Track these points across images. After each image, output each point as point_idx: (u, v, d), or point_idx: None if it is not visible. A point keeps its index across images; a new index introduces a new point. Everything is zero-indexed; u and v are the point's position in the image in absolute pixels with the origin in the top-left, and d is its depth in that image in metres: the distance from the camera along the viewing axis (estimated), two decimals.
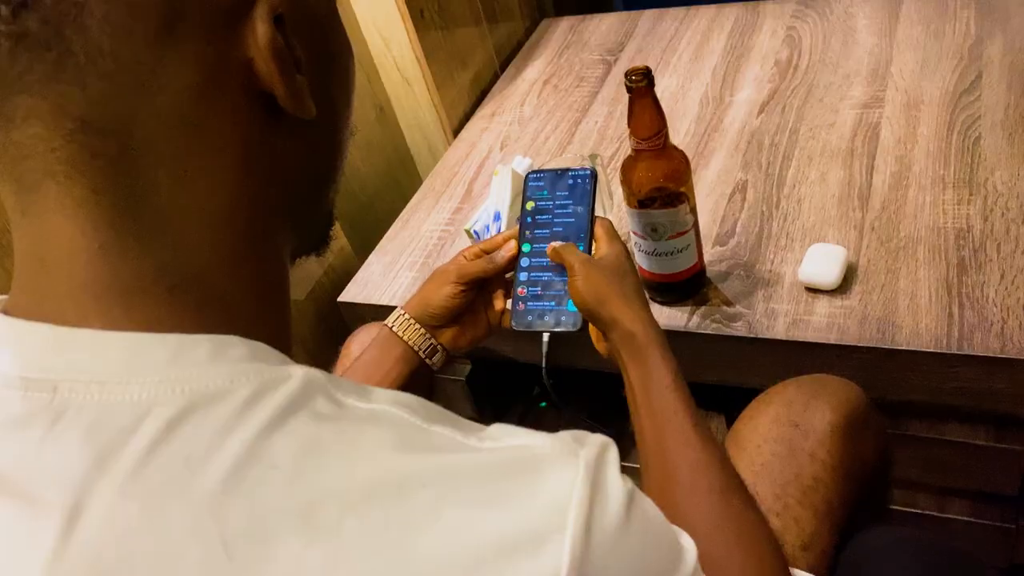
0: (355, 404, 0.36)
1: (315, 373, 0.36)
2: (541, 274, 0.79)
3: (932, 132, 1.04)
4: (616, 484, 0.36)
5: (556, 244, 0.76)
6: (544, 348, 0.78)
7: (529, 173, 0.83)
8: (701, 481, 0.60)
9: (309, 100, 0.38)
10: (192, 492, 0.31)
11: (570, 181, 0.81)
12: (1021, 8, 1.20)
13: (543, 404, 1.26)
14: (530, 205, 0.82)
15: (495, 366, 1.07)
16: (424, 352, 0.81)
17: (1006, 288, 0.83)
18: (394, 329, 0.81)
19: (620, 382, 0.69)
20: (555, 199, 0.81)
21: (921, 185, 0.97)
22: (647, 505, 0.39)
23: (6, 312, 0.36)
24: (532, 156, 1.22)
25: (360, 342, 0.97)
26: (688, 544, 0.41)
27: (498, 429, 0.38)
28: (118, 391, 0.33)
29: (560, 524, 0.33)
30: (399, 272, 1.11)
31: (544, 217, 0.81)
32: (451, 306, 0.80)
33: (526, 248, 0.81)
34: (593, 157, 1.04)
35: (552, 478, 0.34)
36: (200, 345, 0.35)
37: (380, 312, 1.07)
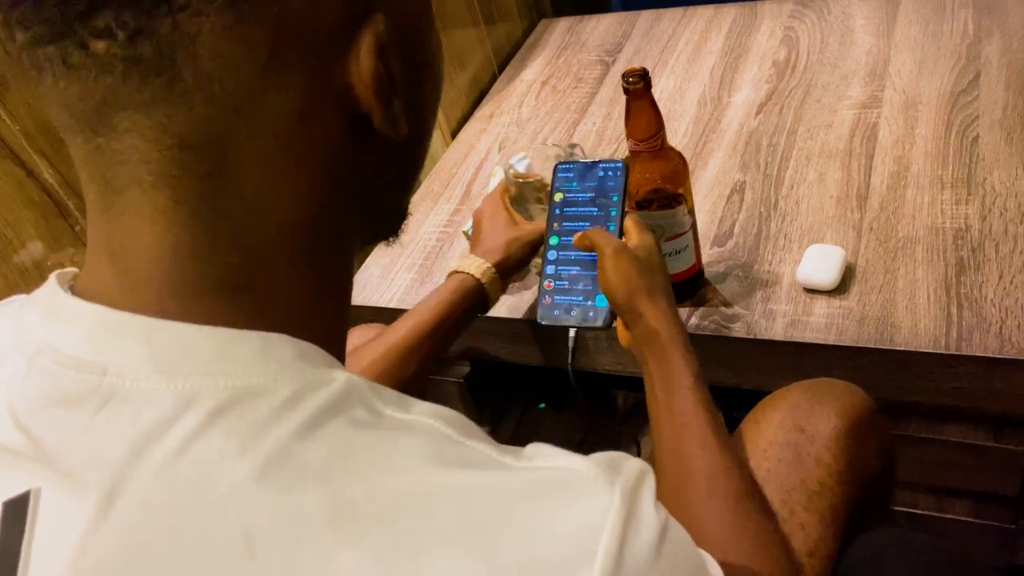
0: (393, 414, 0.36)
1: (358, 380, 0.37)
2: (569, 267, 0.78)
3: (930, 132, 1.04)
4: (650, 515, 0.35)
5: (585, 231, 0.75)
6: (571, 343, 0.78)
7: (558, 164, 0.82)
8: (718, 486, 0.59)
9: (403, 122, 0.39)
10: (220, 485, 0.32)
11: (600, 173, 0.79)
12: (1019, 7, 1.20)
13: (542, 406, 1.26)
14: (559, 196, 0.80)
15: (493, 368, 1.07)
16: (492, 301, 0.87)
17: (1004, 288, 0.83)
18: (482, 281, 0.85)
19: (621, 383, 0.69)
20: (585, 191, 0.79)
21: (919, 185, 0.97)
22: (679, 535, 0.38)
23: (73, 287, 0.38)
24: (530, 156, 1.22)
25: (351, 343, 0.97)
26: (716, 572, 0.40)
27: (535, 448, 0.37)
28: (164, 381, 0.33)
29: (590, 554, 0.32)
30: (397, 274, 1.11)
31: (573, 210, 0.79)
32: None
33: (554, 241, 0.79)
34: (572, 146, 1.03)
35: (585, 504, 0.34)
36: (248, 341, 0.35)
37: (379, 314, 1.07)
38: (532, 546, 0.32)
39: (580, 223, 0.78)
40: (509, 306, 0.99)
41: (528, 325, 0.98)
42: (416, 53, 0.41)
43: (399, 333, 0.82)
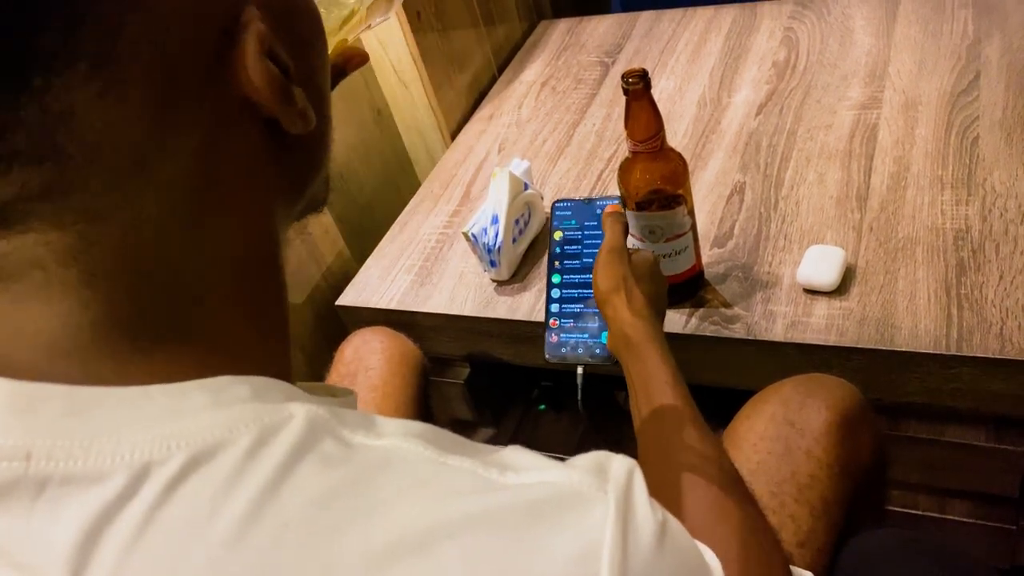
0: (364, 442, 0.34)
1: (318, 410, 0.34)
2: (573, 306, 0.79)
3: (930, 133, 1.04)
4: (646, 516, 0.35)
5: (616, 213, 0.76)
6: (579, 380, 0.78)
7: (556, 203, 0.83)
8: (700, 476, 0.59)
9: (310, 110, 0.37)
10: (195, 558, 0.29)
11: (598, 211, 0.80)
12: (1019, 7, 1.20)
13: (542, 407, 1.26)
14: (558, 235, 0.81)
15: (494, 369, 1.07)
16: None
17: (1005, 289, 0.83)
18: None
19: (621, 383, 0.69)
20: (584, 228, 0.81)
21: (919, 186, 0.97)
22: (676, 530, 0.37)
23: None
24: (530, 158, 1.22)
25: (354, 347, 0.97)
26: (714, 563, 0.40)
27: (516, 456, 0.36)
28: (107, 455, 0.30)
29: (594, 571, 0.32)
30: (397, 275, 1.11)
31: (573, 248, 0.81)
32: None
33: (556, 279, 0.81)
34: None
35: (583, 519, 0.33)
36: (195, 394, 0.32)
37: (378, 316, 1.07)
38: (536, 572, 0.31)
39: (582, 261, 0.79)
40: (508, 307, 0.99)
41: (527, 326, 0.98)
42: (296, 26, 0.38)
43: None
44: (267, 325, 0.39)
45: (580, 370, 0.78)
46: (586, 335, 0.78)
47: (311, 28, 0.40)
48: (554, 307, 0.80)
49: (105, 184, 0.31)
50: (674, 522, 0.37)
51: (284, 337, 0.41)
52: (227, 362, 0.34)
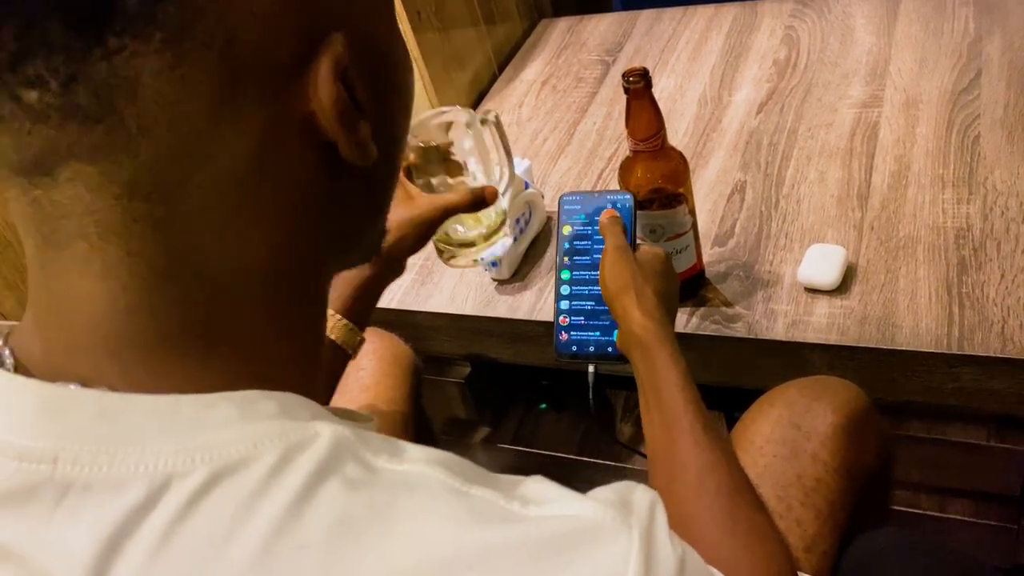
0: (387, 466, 0.34)
1: (343, 431, 0.34)
2: (584, 303, 0.77)
3: (931, 131, 1.04)
4: (667, 552, 0.35)
5: (614, 215, 0.74)
6: (591, 379, 0.76)
7: (563, 196, 0.80)
8: (710, 482, 0.59)
9: (372, 146, 0.37)
10: (216, 574, 0.29)
11: (608, 205, 0.78)
12: (1020, 5, 1.20)
13: (543, 406, 1.26)
14: (567, 230, 0.79)
15: (494, 368, 1.07)
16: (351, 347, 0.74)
17: (1006, 287, 0.82)
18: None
19: (623, 383, 0.69)
20: (593, 223, 0.78)
21: (920, 184, 0.97)
22: (696, 563, 0.37)
23: (10, 343, 0.35)
24: (531, 157, 1.21)
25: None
26: None
27: (540, 489, 0.36)
28: (130, 464, 0.30)
29: None
30: None
31: (583, 244, 0.78)
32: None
33: (566, 275, 0.78)
34: (487, 113, 0.95)
35: (606, 553, 0.33)
36: (221, 406, 0.32)
37: (378, 315, 1.06)
38: None
39: (592, 257, 0.77)
40: (509, 306, 0.99)
41: (528, 325, 0.98)
42: (381, 69, 0.38)
43: None
44: (299, 346, 0.39)
45: (591, 368, 0.76)
46: (598, 333, 0.76)
47: (397, 76, 0.40)
48: (564, 304, 0.77)
49: (152, 162, 0.31)
50: (693, 555, 0.37)
51: (314, 362, 0.40)
52: (256, 375, 0.34)
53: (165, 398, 0.32)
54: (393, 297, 1.07)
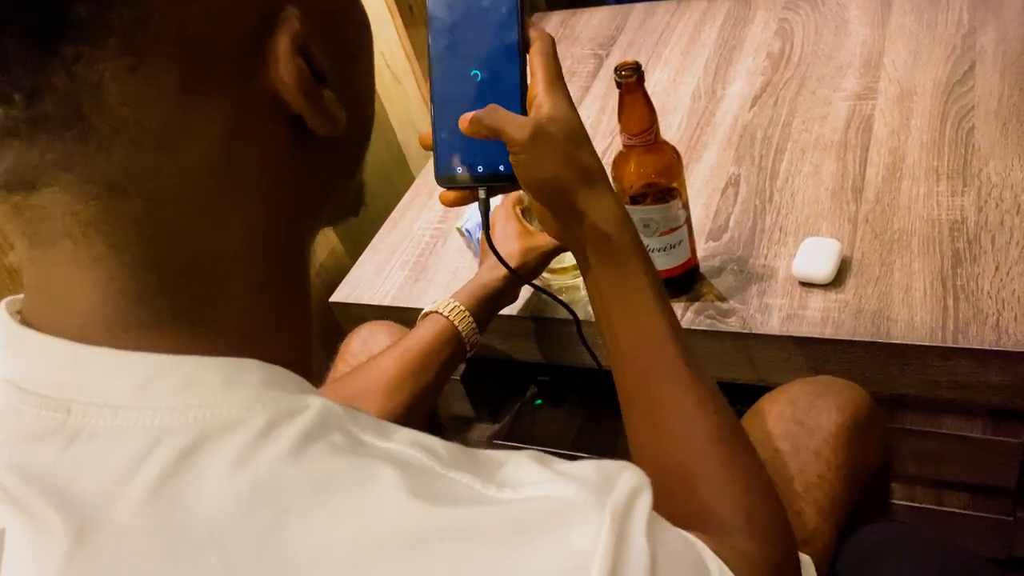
0: (372, 441, 0.35)
1: (333, 405, 0.35)
2: (460, 109, 0.59)
3: (925, 123, 1.04)
4: (641, 536, 0.34)
5: (477, 113, 0.56)
6: (481, 207, 0.61)
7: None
8: (698, 428, 0.53)
9: (340, 113, 0.38)
10: (199, 528, 0.31)
11: (484, 3, 0.60)
12: None
13: (539, 402, 1.26)
14: (436, 25, 0.63)
15: (490, 365, 1.07)
16: (469, 342, 0.83)
17: (1001, 280, 0.82)
18: (450, 318, 0.81)
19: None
20: (467, 15, 0.61)
21: (915, 177, 0.97)
22: (674, 553, 0.37)
23: (23, 317, 0.36)
24: None
25: (362, 339, 0.96)
26: (713, 565, 0.39)
27: (518, 471, 0.36)
28: (131, 417, 0.32)
29: None
30: (391, 271, 1.10)
31: (456, 36, 0.61)
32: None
33: (437, 77, 0.62)
34: None
35: (575, 533, 0.32)
36: (215, 370, 0.34)
37: (373, 312, 1.06)
38: None
39: (468, 52, 0.61)
40: None
41: (524, 322, 0.98)
42: (339, 36, 0.39)
43: (385, 370, 0.78)
44: (287, 318, 0.40)
45: (482, 194, 0.60)
46: (486, 147, 0.58)
47: (356, 38, 0.41)
48: (439, 116, 0.62)
49: (127, 159, 0.32)
50: (672, 544, 0.37)
51: (304, 332, 0.41)
52: (244, 349, 0.36)
53: (167, 358, 0.34)
54: (388, 293, 1.07)
